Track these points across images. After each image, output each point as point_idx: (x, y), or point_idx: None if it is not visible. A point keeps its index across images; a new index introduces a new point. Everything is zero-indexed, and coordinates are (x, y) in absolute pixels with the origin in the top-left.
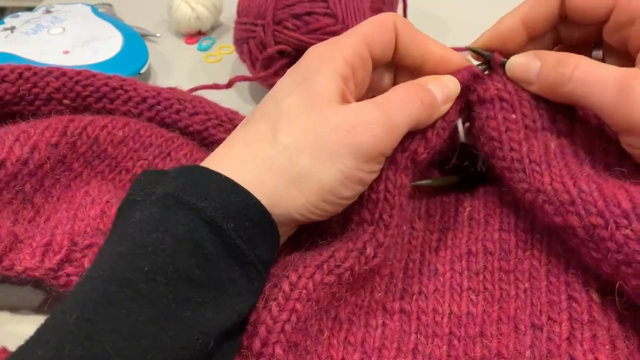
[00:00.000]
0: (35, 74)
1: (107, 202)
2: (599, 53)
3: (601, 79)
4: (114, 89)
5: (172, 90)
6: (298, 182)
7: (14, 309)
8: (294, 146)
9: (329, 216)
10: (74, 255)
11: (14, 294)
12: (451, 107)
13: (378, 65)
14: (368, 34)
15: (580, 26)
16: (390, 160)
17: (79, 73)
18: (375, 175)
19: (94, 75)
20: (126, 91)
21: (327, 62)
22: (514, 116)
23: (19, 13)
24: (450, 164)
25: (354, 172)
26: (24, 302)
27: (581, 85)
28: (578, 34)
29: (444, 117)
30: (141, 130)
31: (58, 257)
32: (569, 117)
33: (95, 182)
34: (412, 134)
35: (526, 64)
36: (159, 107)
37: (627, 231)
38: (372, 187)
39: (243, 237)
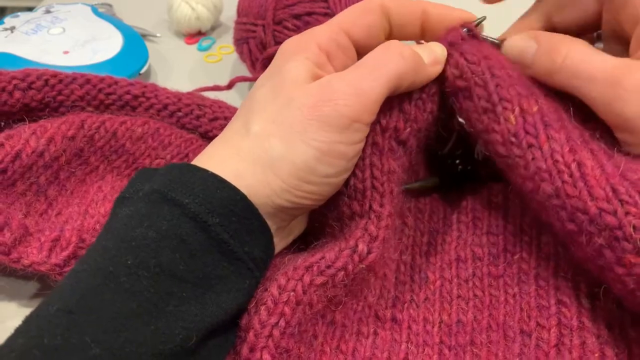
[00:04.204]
0: (60, 81)
1: None
2: (600, 45)
3: (591, 72)
4: (136, 96)
5: (191, 95)
6: (273, 166)
7: (19, 303)
8: (264, 133)
9: (322, 199)
10: (81, 252)
11: (20, 288)
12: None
13: (368, 49)
14: (345, 20)
15: (574, 13)
16: (372, 144)
17: (102, 80)
18: (357, 147)
19: (116, 83)
20: (148, 98)
21: (299, 50)
22: (472, 103)
23: (19, 13)
24: (446, 149)
25: (329, 145)
26: (30, 296)
27: (571, 77)
28: (573, 23)
29: (421, 88)
30: (161, 129)
31: (65, 253)
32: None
33: (110, 177)
34: (389, 111)
35: (523, 47)
36: (180, 114)
37: (600, 240)
38: (357, 175)
39: (230, 232)
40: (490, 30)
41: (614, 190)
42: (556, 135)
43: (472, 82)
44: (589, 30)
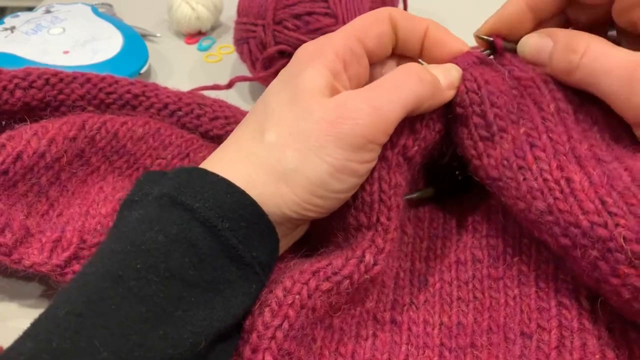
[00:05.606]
0: (61, 80)
1: (120, 199)
2: (614, 33)
3: (610, 67)
4: (136, 95)
5: (192, 94)
6: (286, 178)
7: (20, 303)
8: (280, 143)
9: (327, 212)
10: (82, 252)
11: (21, 288)
12: None
13: (377, 59)
14: (360, 28)
15: (587, 8)
16: (382, 158)
17: (102, 79)
18: (369, 166)
19: (117, 82)
20: (148, 97)
21: (316, 57)
22: (467, 130)
23: (19, 13)
24: (445, 159)
25: (343, 162)
26: (31, 297)
27: (590, 74)
28: (586, 16)
29: None
30: (161, 129)
31: (66, 254)
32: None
33: (112, 178)
34: (400, 128)
35: (538, 45)
36: (180, 113)
37: (594, 252)
38: (366, 188)
39: (239, 237)
40: None
41: (603, 203)
42: (542, 155)
43: (469, 110)
44: (602, 24)
